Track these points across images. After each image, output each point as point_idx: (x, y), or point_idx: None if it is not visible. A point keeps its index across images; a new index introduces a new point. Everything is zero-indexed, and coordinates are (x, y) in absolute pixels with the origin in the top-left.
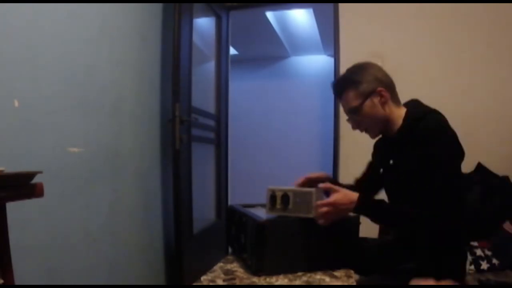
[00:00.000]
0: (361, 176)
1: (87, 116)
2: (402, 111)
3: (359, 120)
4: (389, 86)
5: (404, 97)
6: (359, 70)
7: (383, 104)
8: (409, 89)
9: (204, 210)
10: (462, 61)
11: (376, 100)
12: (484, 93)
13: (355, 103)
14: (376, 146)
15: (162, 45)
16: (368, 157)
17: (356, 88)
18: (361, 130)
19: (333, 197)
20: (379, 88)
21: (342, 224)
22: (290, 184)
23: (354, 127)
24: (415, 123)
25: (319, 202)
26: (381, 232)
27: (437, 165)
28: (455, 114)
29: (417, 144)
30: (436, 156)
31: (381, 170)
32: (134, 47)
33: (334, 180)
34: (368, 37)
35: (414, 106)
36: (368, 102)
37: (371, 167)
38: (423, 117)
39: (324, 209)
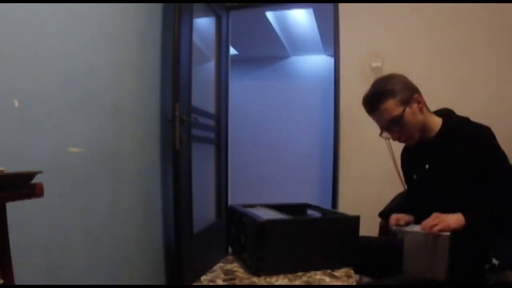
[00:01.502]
0: (408, 197)
1: (87, 116)
2: (435, 116)
3: (399, 130)
4: (420, 92)
5: None
6: (389, 80)
7: (421, 110)
8: None
9: (204, 210)
10: (462, 61)
11: (414, 106)
12: (484, 93)
13: (396, 112)
14: (404, 157)
15: (162, 45)
16: (368, 157)
17: (393, 97)
18: (401, 140)
19: (433, 215)
20: (416, 95)
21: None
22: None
23: (394, 138)
24: (458, 128)
25: (425, 222)
26: (381, 231)
27: (502, 161)
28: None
29: (470, 147)
30: (499, 153)
31: (415, 176)
32: (134, 47)
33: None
34: (368, 37)
35: (449, 112)
36: (408, 110)
37: (406, 181)
38: (465, 123)
39: (432, 222)
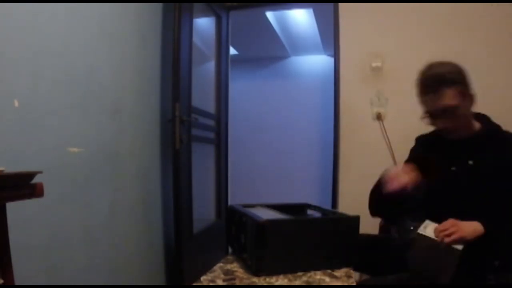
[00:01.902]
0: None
1: (87, 116)
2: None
3: (448, 119)
4: None
5: (403, 97)
6: (460, 68)
7: (470, 106)
8: (409, 89)
9: (204, 210)
10: (462, 61)
11: (469, 102)
12: (484, 93)
13: (456, 101)
14: (429, 146)
15: (162, 45)
16: (368, 157)
17: (461, 86)
18: (445, 128)
19: (448, 221)
20: (473, 92)
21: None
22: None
23: (439, 125)
24: (497, 131)
25: (440, 227)
26: (381, 231)
27: None
28: None
29: (508, 148)
30: None
31: (453, 168)
32: (134, 47)
33: None
34: (368, 37)
35: (486, 117)
36: (466, 104)
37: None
38: (500, 127)
39: (448, 231)
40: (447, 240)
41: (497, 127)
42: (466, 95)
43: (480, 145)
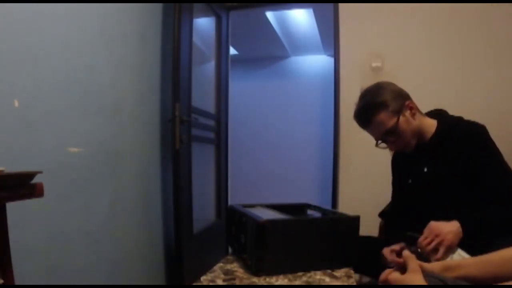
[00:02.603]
0: (394, 204)
1: (87, 116)
2: (428, 119)
3: (395, 140)
4: (410, 97)
5: None
6: (378, 91)
7: (413, 115)
8: (409, 89)
9: (204, 210)
10: (462, 60)
11: (407, 114)
12: (484, 93)
13: (390, 123)
14: (395, 163)
15: (162, 45)
16: (368, 157)
17: (385, 109)
18: (398, 149)
19: (429, 228)
20: (407, 102)
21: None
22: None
23: (391, 148)
24: (453, 128)
25: (421, 240)
26: (381, 231)
27: (497, 159)
28: (455, 114)
29: (464, 145)
30: (493, 151)
31: (410, 181)
32: (134, 47)
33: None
34: (368, 37)
35: (443, 113)
36: (402, 119)
37: (397, 186)
38: (459, 122)
39: (432, 244)
40: (436, 257)
41: (454, 122)
42: (399, 111)
43: (434, 148)
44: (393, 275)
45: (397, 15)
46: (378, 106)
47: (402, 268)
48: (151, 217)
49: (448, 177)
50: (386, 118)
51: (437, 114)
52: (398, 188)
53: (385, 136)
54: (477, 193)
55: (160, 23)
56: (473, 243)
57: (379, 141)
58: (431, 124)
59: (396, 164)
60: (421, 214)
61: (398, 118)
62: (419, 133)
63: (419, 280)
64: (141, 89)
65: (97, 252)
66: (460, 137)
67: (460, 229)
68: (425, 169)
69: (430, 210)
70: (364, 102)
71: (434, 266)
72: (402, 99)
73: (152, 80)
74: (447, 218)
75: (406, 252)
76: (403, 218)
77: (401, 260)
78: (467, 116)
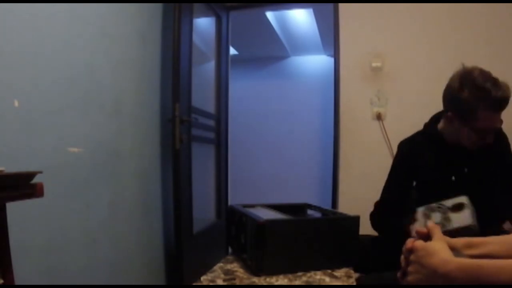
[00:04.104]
0: (393, 197)
1: (87, 116)
2: None
3: (492, 136)
4: None
5: (403, 97)
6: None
7: None
8: (409, 89)
9: (204, 210)
10: (463, 61)
11: None
12: None
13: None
14: (428, 157)
15: (162, 45)
16: (368, 157)
17: None
18: (489, 143)
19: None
20: None
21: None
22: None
23: (483, 143)
24: None
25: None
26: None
27: None
28: None
29: (500, 149)
30: None
31: (453, 178)
32: (134, 47)
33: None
34: (368, 37)
35: None
36: None
37: (406, 179)
38: None
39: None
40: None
41: None
42: None
43: (474, 150)
44: (418, 242)
45: (397, 15)
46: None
47: (427, 238)
48: (151, 217)
49: (488, 181)
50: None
51: None
52: (410, 180)
53: (493, 130)
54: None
55: (160, 23)
56: None
57: (483, 135)
58: None
59: (409, 155)
60: None
61: None
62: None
63: (445, 248)
64: (141, 89)
65: (97, 252)
66: (499, 144)
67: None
68: (466, 170)
69: None
70: (506, 88)
71: (457, 242)
72: None
73: (152, 80)
74: (483, 218)
75: (431, 223)
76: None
77: (425, 230)
78: None
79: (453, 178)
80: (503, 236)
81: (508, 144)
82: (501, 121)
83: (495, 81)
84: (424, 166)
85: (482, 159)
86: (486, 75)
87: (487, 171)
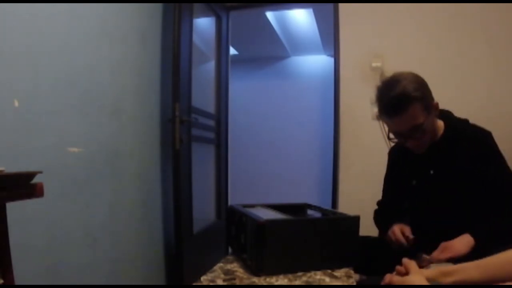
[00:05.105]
0: (386, 202)
1: (87, 116)
2: (438, 120)
3: (418, 137)
4: None
5: None
6: (416, 80)
7: (435, 117)
8: None
9: (204, 210)
10: (462, 61)
11: (433, 113)
12: (484, 93)
13: (421, 119)
14: (395, 159)
15: (162, 45)
16: (368, 157)
17: (421, 102)
18: (414, 147)
19: (442, 247)
20: (435, 102)
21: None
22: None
23: (410, 145)
24: (461, 132)
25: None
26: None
27: (503, 166)
28: (455, 114)
29: (471, 151)
30: (500, 159)
31: (414, 182)
32: (134, 47)
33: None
34: (368, 37)
35: (449, 114)
36: (429, 117)
37: (394, 186)
38: (467, 127)
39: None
40: (441, 257)
41: (462, 127)
42: (430, 107)
43: (441, 151)
44: (396, 277)
45: (397, 15)
46: (416, 98)
47: (403, 274)
48: (151, 217)
49: (455, 181)
50: (419, 112)
51: (444, 115)
52: (398, 187)
53: (411, 131)
54: (484, 201)
55: (160, 23)
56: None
57: (391, 135)
58: (440, 126)
59: (395, 162)
60: (424, 216)
61: (427, 116)
62: (433, 136)
63: (422, 280)
64: (141, 89)
65: (97, 252)
66: (468, 142)
67: (470, 239)
68: (431, 172)
69: (433, 213)
70: (402, 89)
71: (432, 271)
72: (432, 97)
73: (152, 80)
74: (450, 222)
75: (405, 259)
76: (396, 214)
77: (402, 268)
78: (467, 116)
79: (414, 182)
80: (476, 262)
81: (491, 151)
82: (417, 124)
83: (391, 87)
84: (399, 172)
85: (451, 161)
86: (389, 82)
87: (457, 173)
